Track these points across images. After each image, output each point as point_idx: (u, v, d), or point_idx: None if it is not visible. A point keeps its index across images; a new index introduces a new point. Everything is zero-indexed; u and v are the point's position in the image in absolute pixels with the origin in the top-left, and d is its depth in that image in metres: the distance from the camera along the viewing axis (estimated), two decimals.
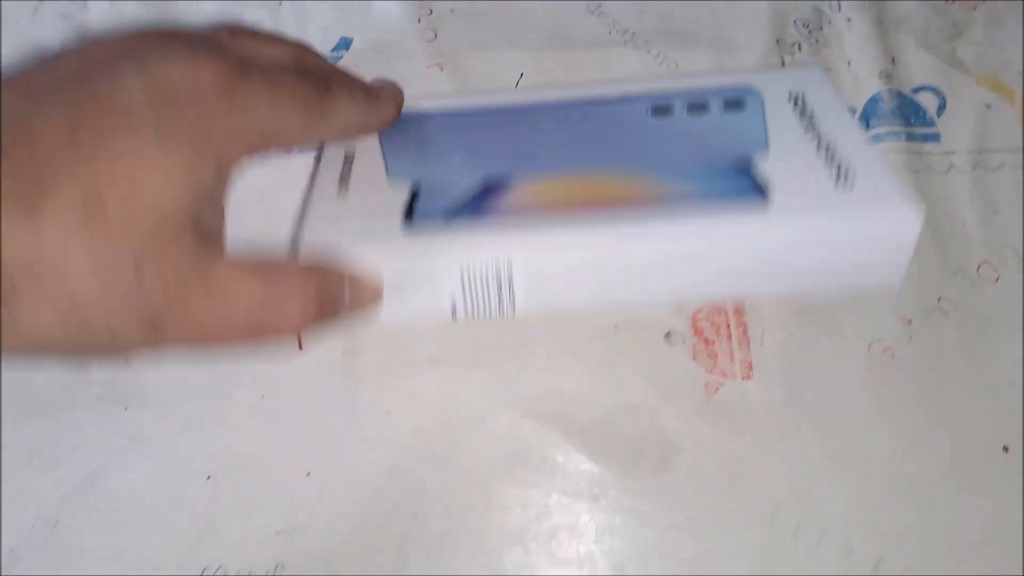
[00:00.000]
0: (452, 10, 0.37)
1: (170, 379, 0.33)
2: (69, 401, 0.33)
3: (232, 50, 0.24)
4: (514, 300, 0.27)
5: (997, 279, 0.33)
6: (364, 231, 0.27)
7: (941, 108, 0.36)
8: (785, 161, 0.28)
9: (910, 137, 0.35)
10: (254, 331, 0.24)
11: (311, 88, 0.25)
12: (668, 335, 0.33)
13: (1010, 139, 0.35)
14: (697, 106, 0.30)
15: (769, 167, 0.28)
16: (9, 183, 0.19)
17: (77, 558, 0.31)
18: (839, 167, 0.27)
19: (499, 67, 0.37)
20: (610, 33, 0.37)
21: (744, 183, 0.27)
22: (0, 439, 0.32)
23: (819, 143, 0.28)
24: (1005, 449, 0.31)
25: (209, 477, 0.32)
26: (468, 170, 0.29)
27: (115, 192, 0.20)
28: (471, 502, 0.31)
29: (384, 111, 0.29)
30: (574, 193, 0.28)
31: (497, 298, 0.27)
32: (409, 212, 0.27)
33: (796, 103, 0.30)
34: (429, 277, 0.27)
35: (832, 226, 0.26)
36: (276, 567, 0.31)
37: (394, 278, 0.26)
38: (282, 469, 0.32)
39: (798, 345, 0.32)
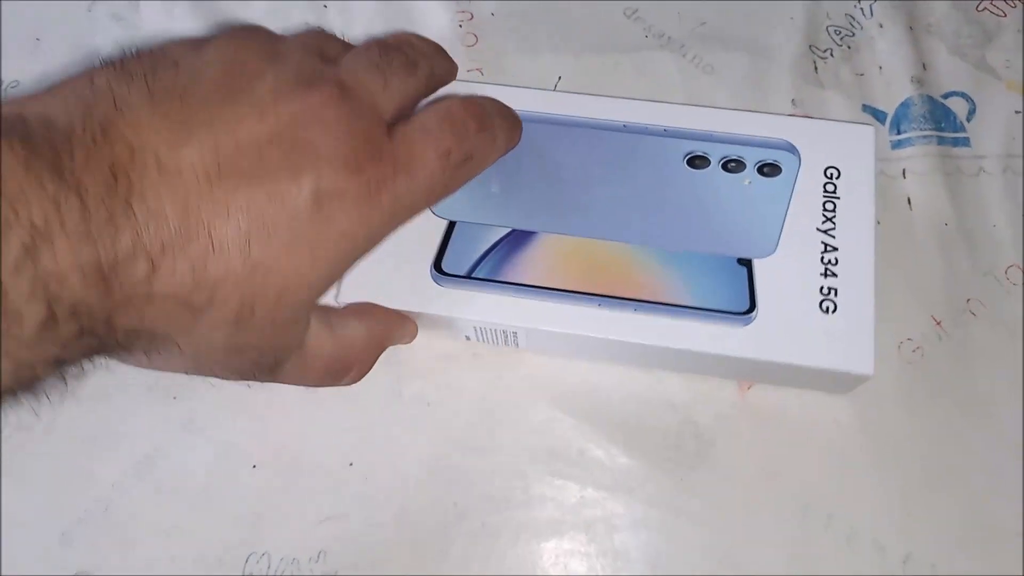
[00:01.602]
0: (492, 13, 0.38)
1: None
2: (121, 389, 0.34)
3: (377, 136, 0.25)
4: (519, 347, 0.33)
5: None
6: (399, 273, 0.31)
7: (971, 113, 0.36)
8: (785, 260, 0.30)
9: (941, 141, 0.36)
10: (333, 378, 0.30)
11: (452, 171, 0.27)
12: None
13: None
14: (733, 162, 0.32)
15: (768, 263, 0.30)
16: (185, 282, 0.21)
17: (127, 541, 0.32)
18: (831, 290, 0.29)
19: (539, 71, 0.37)
20: (647, 36, 0.38)
21: (738, 290, 0.30)
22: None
23: (825, 250, 0.30)
24: None
25: (255, 465, 0.33)
26: (500, 213, 0.32)
27: (265, 303, 0.23)
28: (510, 493, 0.32)
29: (517, 131, 0.32)
30: (586, 263, 0.31)
31: (505, 345, 0.33)
32: (438, 261, 0.31)
33: (829, 178, 0.31)
34: (448, 322, 0.31)
35: (798, 355, 0.29)
36: (319, 554, 0.32)
37: (419, 316, 0.32)
38: (326, 459, 0.33)
39: None
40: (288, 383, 0.29)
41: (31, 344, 0.19)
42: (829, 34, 0.38)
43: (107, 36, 0.39)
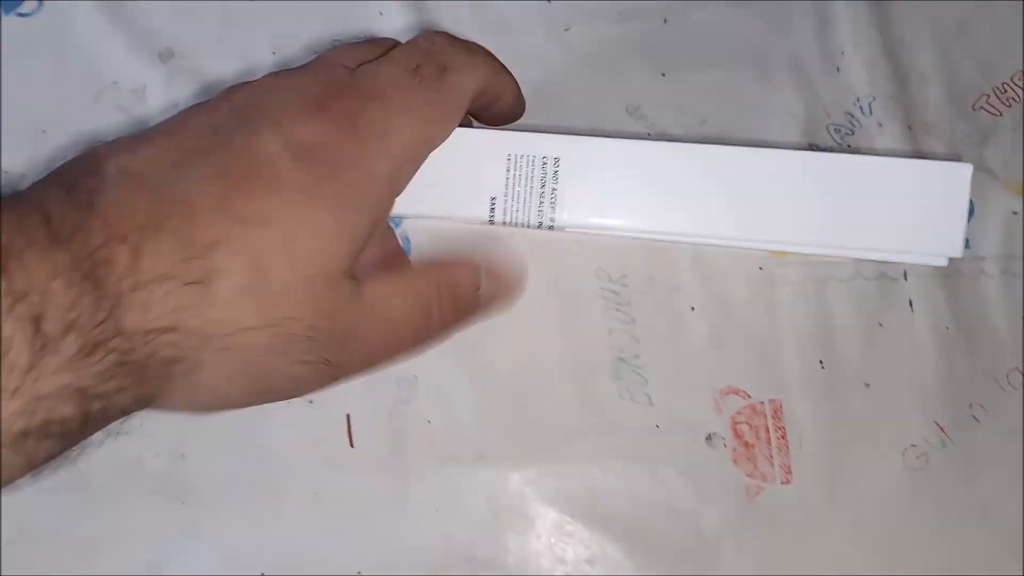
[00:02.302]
0: None
1: (223, 474, 0.34)
2: (125, 493, 0.34)
3: (340, 77, 0.24)
4: (555, 204, 0.27)
5: None
6: None
7: (970, 214, 0.37)
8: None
9: None
10: (412, 341, 0.26)
11: (428, 82, 0.24)
12: (709, 438, 0.34)
13: None
14: None
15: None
16: (177, 255, 0.20)
17: None
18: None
19: None
20: (648, 134, 0.39)
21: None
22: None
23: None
24: None
25: (263, 574, 0.33)
26: None
27: (276, 257, 0.21)
28: None
29: (506, 74, 0.28)
30: None
31: (539, 200, 0.27)
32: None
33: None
34: (474, 168, 0.26)
35: (884, 166, 0.26)
36: None
37: (440, 165, 0.26)
38: (334, 566, 0.33)
39: (835, 450, 0.33)
40: (362, 366, 0.25)
41: (38, 371, 0.18)
42: (829, 132, 0.39)
43: (112, 127, 0.40)
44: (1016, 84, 0.39)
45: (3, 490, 0.19)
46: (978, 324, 0.35)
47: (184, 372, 0.21)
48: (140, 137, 0.23)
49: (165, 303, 0.20)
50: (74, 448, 0.20)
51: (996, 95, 0.39)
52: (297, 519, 0.33)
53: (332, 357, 0.23)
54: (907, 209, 0.26)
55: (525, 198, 0.26)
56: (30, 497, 0.33)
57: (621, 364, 0.35)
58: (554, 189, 0.26)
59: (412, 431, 0.34)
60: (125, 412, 0.21)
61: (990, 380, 0.34)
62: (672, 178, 0.26)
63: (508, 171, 0.26)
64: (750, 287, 0.36)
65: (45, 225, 0.19)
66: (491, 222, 0.26)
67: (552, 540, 0.33)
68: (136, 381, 0.20)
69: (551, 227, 0.26)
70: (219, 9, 0.41)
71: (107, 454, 0.34)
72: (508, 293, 0.28)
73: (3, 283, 0.18)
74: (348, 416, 0.34)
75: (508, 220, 0.26)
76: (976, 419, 0.34)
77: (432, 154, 0.25)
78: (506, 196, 0.26)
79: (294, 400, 0.34)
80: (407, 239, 0.33)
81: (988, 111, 0.39)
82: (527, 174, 0.26)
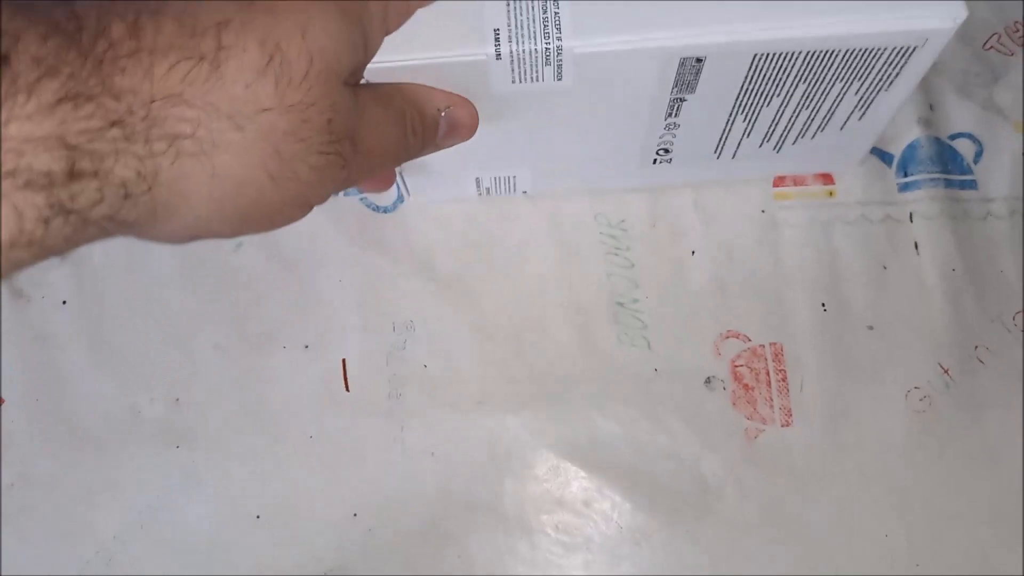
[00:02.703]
0: None
1: (219, 419, 0.34)
2: (123, 439, 0.34)
3: None
4: (560, 26, 0.25)
5: None
6: None
7: (978, 155, 0.36)
8: None
9: (948, 184, 0.35)
10: (396, 150, 0.26)
11: None
12: (708, 381, 0.33)
13: None
14: None
15: None
16: (181, 31, 0.19)
17: None
18: None
19: None
20: None
21: None
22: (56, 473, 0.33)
23: None
24: None
25: (259, 516, 0.32)
26: None
27: (291, 44, 0.20)
28: (515, 545, 0.32)
29: None
30: None
31: (542, 25, 0.25)
32: None
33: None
34: (473, 6, 0.25)
35: None
36: None
37: (437, 7, 0.25)
38: (330, 509, 0.32)
39: (837, 392, 0.33)
40: (364, 173, 0.25)
41: (9, 109, 0.17)
42: None
43: None
44: None
45: (10, 264, 0.18)
46: (985, 266, 0.34)
47: (197, 152, 0.20)
48: None
49: (170, 75, 0.19)
50: (83, 228, 0.19)
51: (1008, 35, 0.38)
52: (294, 462, 0.33)
53: (345, 152, 0.23)
54: None
55: (529, 25, 0.25)
56: (29, 444, 0.34)
57: (620, 308, 0.34)
58: (557, 13, 0.25)
59: (409, 377, 0.34)
60: (126, 190, 0.19)
61: (996, 323, 0.33)
62: None
63: (509, 3, 0.25)
64: (752, 230, 0.35)
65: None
66: (498, 55, 0.25)
67: (550, 483, 0.32)
68: (136, 148, 0.19)
69: (559, 52, 0.25)
70: None
71: (103, 401, 0.34)
72: (467, 121, 0.28)
73: None
74: (344, 361, 0.34)
75: (515, 50, 0.25)
76: (981, 361, 0.33)
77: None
78: (509, 25, 0.25)
79: (289, 345, 0.34)
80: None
81: (999, 51, 0.38)
82: (528, 2, 0.25)
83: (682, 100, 0.28)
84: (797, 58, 0.26)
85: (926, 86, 0.37)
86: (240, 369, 0.34)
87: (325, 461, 0.33)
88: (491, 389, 0.34)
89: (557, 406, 0.33)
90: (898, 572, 0.31)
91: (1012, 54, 0.38)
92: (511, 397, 0.33)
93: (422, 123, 0.26)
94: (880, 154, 0.36)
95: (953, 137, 0.36)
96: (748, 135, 0.31)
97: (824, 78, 0.27)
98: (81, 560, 0.32)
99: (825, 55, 0.26)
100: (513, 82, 0.26)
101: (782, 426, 0.32)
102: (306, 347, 0.34)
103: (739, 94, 0.28)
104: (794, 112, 0.29)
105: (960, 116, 0.37)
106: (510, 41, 0.25)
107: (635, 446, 0.33)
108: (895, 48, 0.26)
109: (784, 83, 0.27)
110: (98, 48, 0.18)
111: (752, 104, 0.29)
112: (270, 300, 0.35)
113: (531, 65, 0.26)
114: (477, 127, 0.28)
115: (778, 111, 0.29)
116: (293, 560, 0.32)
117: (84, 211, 0.18)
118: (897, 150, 0.36)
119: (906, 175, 0.36)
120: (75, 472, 0.33)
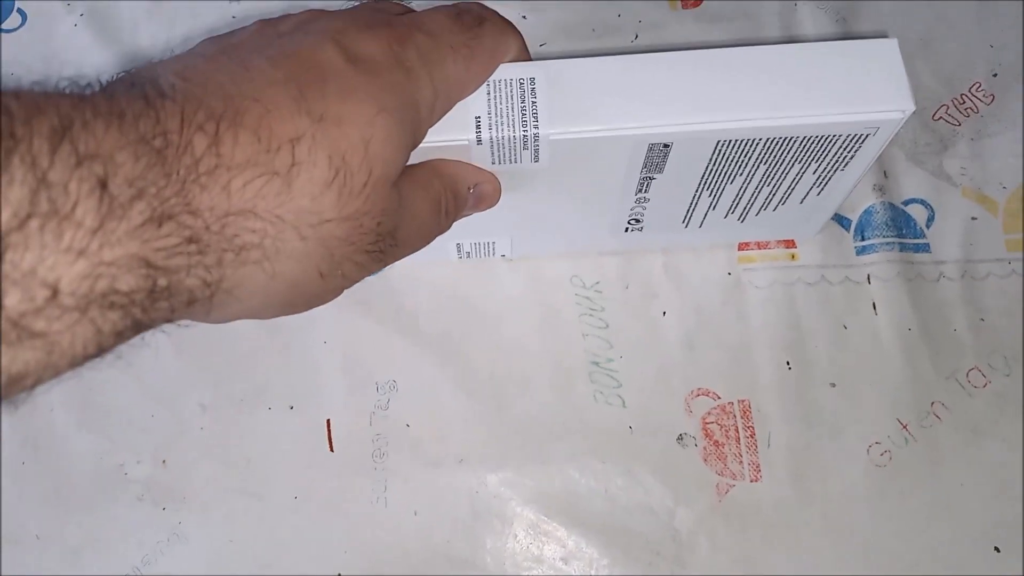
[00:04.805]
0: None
1: (205, 480, 0.34)
2: (111, 499, 0.34)
3: (389, 10, 0.26)
4: (536, 116, 0.27)
5: (986, 384, 0.35)
6: None
7: (930, 220, 0.38)
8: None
9: (903, 248, 0.38)
10: (431, 232, 0.28)
11: (469, 28, 0.26)
12: (680, 438, 0.35)
13: (994, 249, 0.37)
14: None
15: None
16: (258, 146, 0.20)
17: None
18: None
19: None
20: None
21: None
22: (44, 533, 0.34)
23: None
24: (997, 550, 0.33)
25: None
26: None
27: (355, 156, 0.22)
28: None
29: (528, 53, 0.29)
30: None
31: (520, 114, 0.27)
32: None
33: None
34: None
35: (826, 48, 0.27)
36: None
37: None
38: (314, 567, 0.33)
39: (802, 447, 0.34)
40: (399, 257, 0.27)
41: (104, 234, 0.17)
42: None
43: None
44: (975, 95, 0.41)
45: (74, 368, 0.19)
46: (939, 325, 0.36)
47: (260, 259, 0.21)
48: (191, 52, 0.24)
49: (245, 190, 0.20)
50: (141, 329, 0.19)
51: (955, 106, 0.41)
52: (279, 521, 0.34)
53: (386, 249, 0.25)
54: (855, 80, 0.27)
55: (507, 113, 0.27)
56: (16, 505, 0.34)
57: (595, 368, 0.36)
58: (534, 102, 0.27)
59: (392, 435, 0.35)
60: (192, 297, 0.20)
61: (951, 380, 0.35)
62: (640, 81, 0.27)
63: (489, 94, 0.27)
64: (719, 292, 0.37)
65: (110, 102, 0.18)
66: (479, 141, 0.27)
67: (529, 540, 0.33)
68: (207, 260, 0.20)
69: (536, 139, 0.27)
70: (205, 26, 0.42)
71: (89, 462, 0.34)
72: (492, 194, 0.30)
73: (68, 143, 0.17)
74: (328, 421, 0.35)
75: (494, 136, 0.27)
76: (938, 417, 0.35)
77: None
78: (489, 113, 0.27)
79: (275, 406, 0.35)
80: None
81: (948, 121, 0.41)
82: (507, 93, 0.27)
83: (651, 179, 0.30)
84: (758, 144, 0.28)
85: (880, 155, 0.39)
86: (225, 429, 0.35)
87: (309, 520, 0.34)
88: (472, 446, 0.35)
89: (536, 463, 0.34)
90: None
91: (959, 124, 0.40)
92: (492, 455, 0.35)
93: (455, 204, 0.28)
94: (838, 219, 0.38)
95: (906, 203, 0.39)
96: (714, 208, 0.33)
97: (783, 160, 0.29)
98: None
99: (785, 141, 0.28)
100: (493, 163, 0.28)
101: (751, 481, 0.34)
102: (291, 408, 0.35)
103: (704, 174, 0.30)
104: (756, 189, 0.31)
105: (912, 183, 0.39)
106: (490, 128, 0.27)
107: (611, 502, 0.34)
108: (849, 135, 0.28)
109: (746, 165, 0.29)
110: (182, 165, 0.19)
111: (716, 183, 0.31)
112: (255, 361, 0.36)
113: (510, 149, 0.28)
114: (499, 198, 0.30)
115: (741, 188, 0.31)
116: None
117: (153, 321, 0.19)
118: (854, 215, 0.38)
119: (863, 239, 0.38)
120: (63, 532, 0.34)
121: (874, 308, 0.37)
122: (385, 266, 0.26)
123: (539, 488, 0.34)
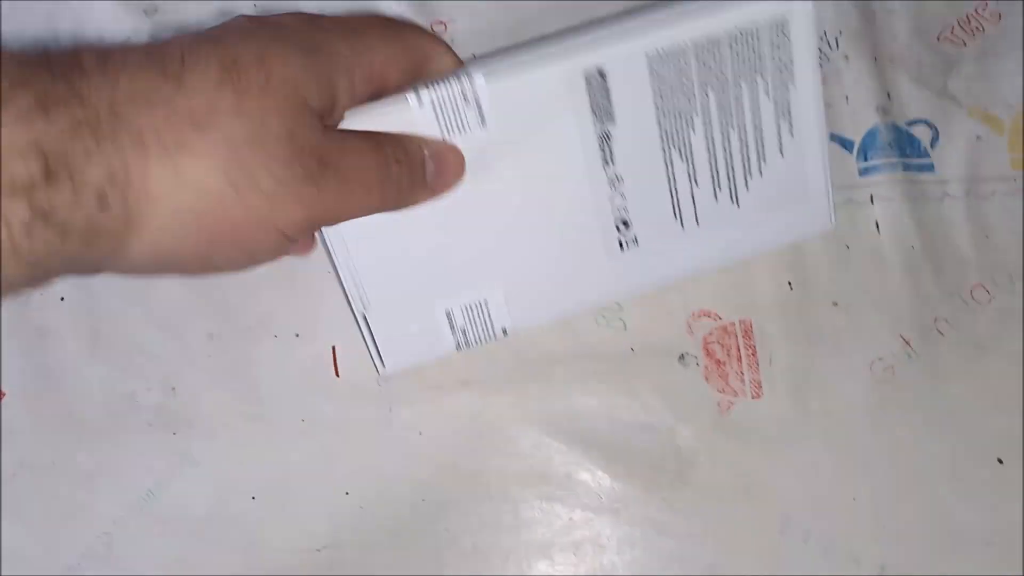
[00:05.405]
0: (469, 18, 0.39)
1: (214, 406, 0.35)
2: (121, 427, 0.35)
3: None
4: (470, 74, 0.28)
5: (990, 300, 0.35)
6: None
7: (935, 140, 0.38)
8: None
9: (906, 168, 0.37)
10: (379, 194, 0.26)
11: (388, 22, 0.28)
12: (682, 357, 0.35)
13: (999, 168, 0.37)
14: None
15: None
16: (144, 57, 0.22)
17: (132, 574, 0.33)
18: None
19: None
20: None
21: None
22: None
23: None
24: (1000, 461, 0.33)
25: (254, 497, 0.34)
26: None
27: (249, 61, 0.22)
28: (500, 517, 0.33)
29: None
30: None
31: (456, 75, 0.27)
32: None
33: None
34: None
35: None
36: None
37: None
38: (323, 489, 0.34)
39: (804, 365, 0.34)
40: (351, 208, 0.25)
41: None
42: None
43: None
44: (980, 15, 0.40)
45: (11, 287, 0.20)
46: (942, 243, 0.36)
47: (161, 154, 0.21)
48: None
49: (134, 83, 0.21)
50: (52, 228, 0.20)
51: (961, 26, 0.40)
52: (286, 445, 0.34)
53: (311, 169, 0.23)
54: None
55: (445, 77, 0.28)
56: (29, 435, 0.35)
57: None
58: (468, 67, 0.28)
59: None
60: (99, 192, 0.20)
61: (954, 296, 0.35)
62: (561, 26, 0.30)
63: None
64: None
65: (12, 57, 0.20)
66: (419, 102, 0.27)
67: (534, 458, 0.34)
68: (105, 148, 0.20)
69: (475, 92, 0.28)
70: None
71: (100, 391, 0.35)
72: (453, 158, 0.28)
73: None
74: (333, 348, 0.36)
75: (434, 96, 0.27)
76: (941, 332, 0.35)
77: None
78: (428, 84, 0.28)
79: (281, 334, 0.36)
80: None
81: (953, 42, 0.40)
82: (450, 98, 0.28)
83: (609, 136, 0.30)
84: (689, 54, 0.29)
85: (883, 76, 0.39)
86: (232, 357, 0.36)
87: (316, 443, 0.34)
88: (475, 370, 0.35)
89: (539, 384, 0.35)
90: (863, 530, 0.32)
91: (965, 44, 0.40)
92: (495, 378, 0.35)
93: (405, 155, 0.27)
94: (841, 140, 0.38)
95: (910, 124, 0.38)
96: (695, 180, 0.31)
97: (725, 77, 0.30)
98: (82, 543, 0.33)
99: (712, 47, 0.29)
100: (442, 132, 0.28)
101: (752, 398, 0.34)
102: (296, 335, 0.36)
103: (658, 117, 0.30)
104: (722, 133, 0.31)
105: (916, 104, 0.38)
106: (428, 88, 0.27)
107: (613, 421, 0.34)
108: (768, 25, 0.29)
109: (692, 92, 0.30)
110: (68, 67, 0.20)
111: (677, 130, 0.30)
112: (261, 290, 0.37)
113: (453, 109, 0.28)
114: (464, 168, 0.29)
115: (706, 137, 0.30)
116: (288, 538, 0.33)
117: (63, 217, 0.20)
118: (857, 136, 0.38)
119: (866, 160, 0.38)
120: (75, 460, 0.35)
121: (877, 227, 0.36)
122: (325, 201, 0.24)
123: (542, 409, 0.34)
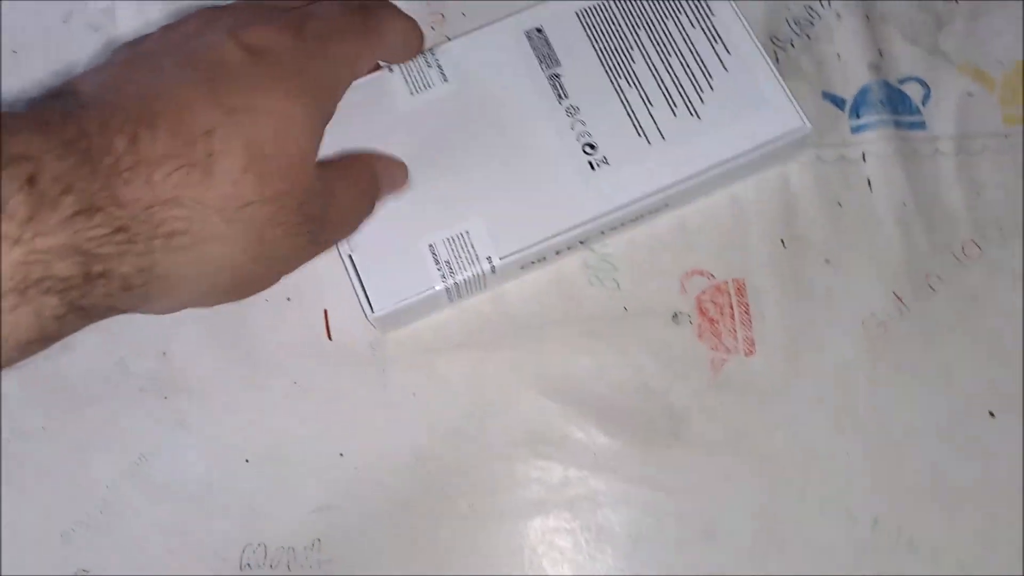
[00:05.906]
0: (464, 14, 0.39)
1: (206, 370, 0.35)
2: (113, 393, 0.35)
3: (284, 5, 0.28)
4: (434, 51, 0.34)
5: (981, 256, 0.35)
6: None
7: (926, 97, 0.38)
8: None
9: (898, 125, 0.37)
10: (356, 219, 0.31)
11: (356, 12, 0.29)
12: (675, 316, 0.35)
13: (990, 124, 0.37)
14: None
15: None
16: (175, 140, 0.22)
17: (126, 539, 0.33)
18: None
19: None
20: None
21: None
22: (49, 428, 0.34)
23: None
24: (991, 414, 0.33)
25: (248, 460, 0.34)
26: None
27: (268, 142, 0.24)
28: (496, 478, 0.33)
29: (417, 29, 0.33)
30: None
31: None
32: None
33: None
34: None
35: None
36: (314, 543, 0.33)
37: None
38: (317, 451, 0.34)
39: (797, 322, 0.34)
40: (330, 242, 0.30)
41: (37, 224, 0.19)
42: (789, 25, 0.39)
43: (85, 46, 0.40)
44: None
45: (22, 353, 0.21)
46: (934, 200, 0.36)
47: (188, 245, 0.23)
48: (107, 63, 0.26)
49: (166, 181, 0.22)
50: (87, 315, 0.22)
51: None
52: (279, 408, 0.34)
53: (314, 232, 0.27)
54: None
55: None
56: (22, 404, 0.35)
57: (590, 253, 0.36)
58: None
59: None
60: (127, 284, 0.22)
61: (946, 252, 0.35)
62: None
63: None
64: None
65: (36, 114, 0.21)
66: (389, 68, 0.35)
67: (529, 418, 0.34)
68: (138, 247, 0.22)
69: (434, 55, 0.35)
70: None
71: (91, 358, 0.35)
72: (399, 179, 0.33)
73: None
74: (325, 311, 0.36)
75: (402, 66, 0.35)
76: (933, 288, 0.35)
77: None
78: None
79: (273, 297, 0.35)
80: None
81: None
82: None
83: (558, 76, 0.34)
84: (613, 8, 0.35)
85: (875, 34, 0.39)
86: (224, 321, 0.35)
87: (310, 405, 0.34)
88: (469, 333, 0.35)
89: (533, 344, 0.35)
90: (856, 485, 0.32)
91: (956, 2, 0.40)
92: (488, 340, 0.35)
93: (373, 189, 0.31)
94: (833, 99, 0.38)
95: (902, 81, 0.38)
96: (648, 101, 0.34)
97: (649, 19, 0.35)
98: (78, 508, 0.33)
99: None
100: (411, 93, 0.34)
101: (746, 355, 0.34)
102: (288, 299, 0.36)
103: (597, 54, 0.35)
104: (663, 62, 0.35)
105: (908, 61, 0.38)
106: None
107: (607, 380, 0.34)
108: None
109: (623, 34, 0.35)
110: (105, 163, 0.21)
111: (619, 63, 0.35)
112: None
113: (418, 71, 0.34)
114: (407, 173, 0.33)
115: (648, 65, 0.35)
116: (283, 500, 0.33)
117: (91, 307, 0.21)
118: (849, 94, 0.38)
119: (858, 117, 0.37)
120: (68, 427, 0.34)
121: (869, 185, 0.36)
122: (320, 250, 0.28)
123: (536, 369, 0.34)
